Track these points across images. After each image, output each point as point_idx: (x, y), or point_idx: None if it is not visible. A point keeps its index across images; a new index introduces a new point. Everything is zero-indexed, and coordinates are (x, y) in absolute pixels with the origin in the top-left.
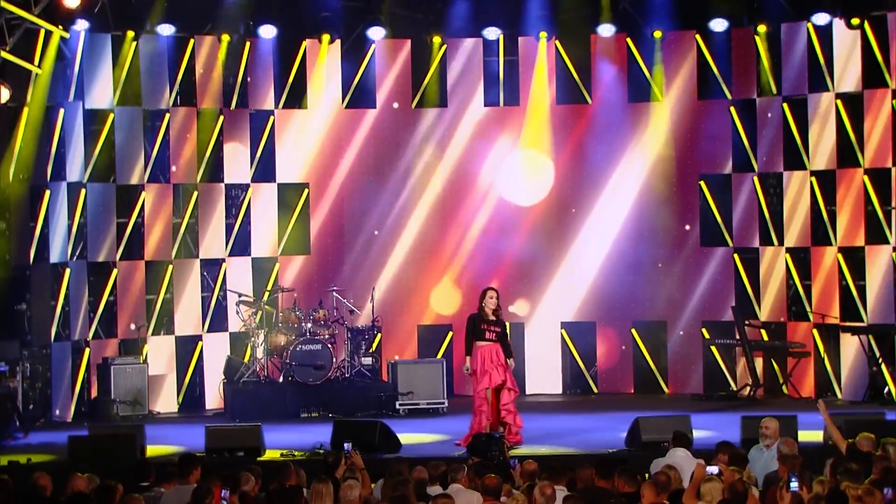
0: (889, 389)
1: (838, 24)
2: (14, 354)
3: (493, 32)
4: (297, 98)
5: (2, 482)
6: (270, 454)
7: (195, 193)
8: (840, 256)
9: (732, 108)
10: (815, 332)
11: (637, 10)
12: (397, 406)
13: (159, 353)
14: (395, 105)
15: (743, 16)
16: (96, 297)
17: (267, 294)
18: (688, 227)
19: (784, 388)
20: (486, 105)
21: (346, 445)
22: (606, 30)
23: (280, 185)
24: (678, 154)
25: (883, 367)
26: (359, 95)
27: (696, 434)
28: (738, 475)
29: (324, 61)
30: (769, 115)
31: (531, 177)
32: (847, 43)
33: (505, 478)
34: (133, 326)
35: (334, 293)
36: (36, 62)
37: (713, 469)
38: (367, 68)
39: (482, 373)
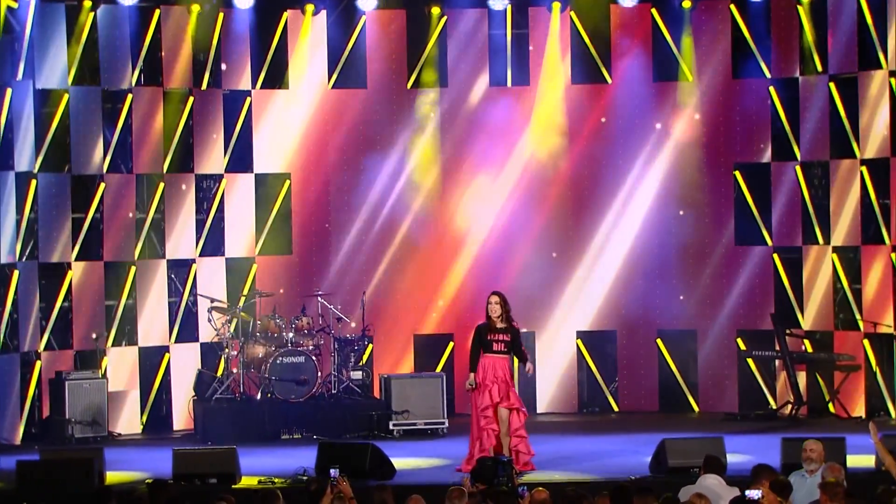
0: None
1: None
2: None
3: (499, 2)
4: (277, 77)
5: None
6: (247, 481)
7: (161, 185)
8: (894, 256)
9: (772, 88)
10: (865, 342)
11: None
12: (391, 426)
13: (120, 367)
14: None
15: None
16: (48, 303)
17: (243, 299)
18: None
19: (830, 406)
20: (491, 85)
21: (332, 471)
22: None
23: (258, 175)
24: (710, 140)
25: None
26: (347, 74)
27: (731, 458)
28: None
29: (307, 35)
30: (813, 95)
31: (543, 165)
32: None
33: None
34: (94, 336)
35: (319, 298)
36: None
37: (754, 494)
38: (356, 43)
39: (483, 388)
